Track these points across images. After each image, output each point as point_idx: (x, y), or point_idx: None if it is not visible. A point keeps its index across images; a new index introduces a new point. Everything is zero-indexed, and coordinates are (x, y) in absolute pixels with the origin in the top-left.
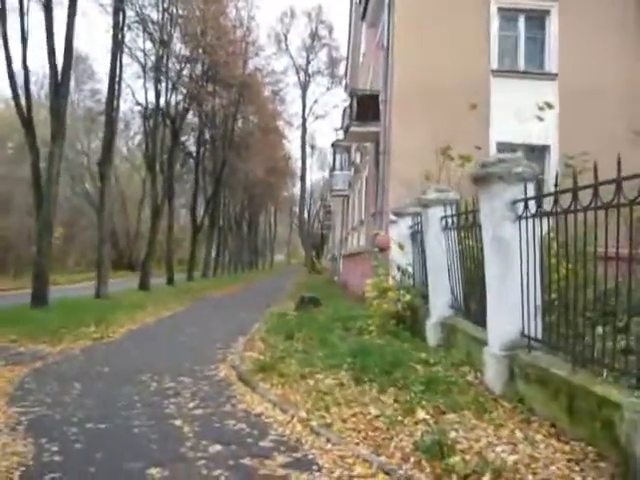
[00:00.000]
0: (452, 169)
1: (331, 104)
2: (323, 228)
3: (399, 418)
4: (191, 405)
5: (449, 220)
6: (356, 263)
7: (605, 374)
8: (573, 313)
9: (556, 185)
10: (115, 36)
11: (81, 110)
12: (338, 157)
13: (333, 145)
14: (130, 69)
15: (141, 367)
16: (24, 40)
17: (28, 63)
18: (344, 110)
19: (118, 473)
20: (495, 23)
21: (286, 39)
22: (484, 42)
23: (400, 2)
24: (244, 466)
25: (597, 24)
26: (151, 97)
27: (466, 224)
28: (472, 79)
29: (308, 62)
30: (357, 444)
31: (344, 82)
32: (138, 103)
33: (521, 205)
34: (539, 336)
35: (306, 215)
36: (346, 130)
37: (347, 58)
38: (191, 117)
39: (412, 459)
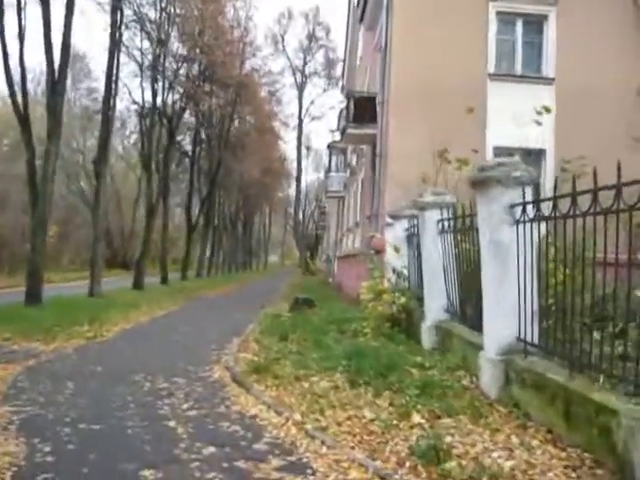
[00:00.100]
0: (449, 172)
1: (327, 105)
2: (318, 229)
3: (394, 422)
4: (185, 406)
5: (446, 223)
6: (351, 265)
7: (602, 380)
8: (570, 318)
9: (555, 190)
10: (112, 34)
11: (77, 108)
12: (334, 158)
13: (329, 146)
14: (127, 68)
15: (135, 367)
16: (21, 37)
17: (25, 60)
18: (340, 112)
19: (111, 474)
20: (493, 27)
21: (283, 40)
22: (482, 46)
23: (399, 4)
24: (238, 469)
25: (595, 29)
26: (148, 96)
27: (463, 227)
28: (469, 82)
29: (305, 63)
30: (352, 448)
31: (341, 84)
32: (135, 102)
33: (519, 209)
34: (535, 341)
35: (301, 216)
36: (343, 132)
37: (344, 60)
38: (187, 117)
39: (408, 464)
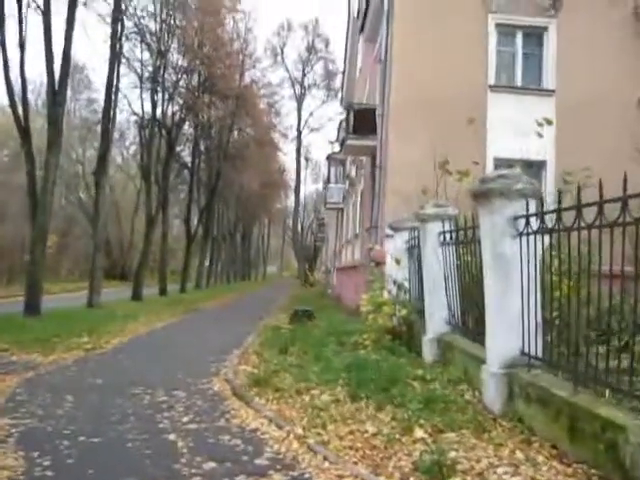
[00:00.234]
0: (449, 184)
1: (326, 117)
2: (316, 240)
3: (397, 436)
4: (185, 419)
5: (447, 235)
6: (350, 276)
7: (608, 395)
8: (575, 331)
9: (559, 202)
10: (113, 46)
11: (77, 119)
12: (333, 170)
13: (328, 158)
14: (127, 79)
15: (134, 379)
16: (22, 47)
17: (25, 71)
18: (340, 123)
19: None
20: (493, 39)
21: (282, 52)
22: (482, 57)
23: (399, 16)
24: None
25: (595, 41)
26: (147, 107)
27: (465, 240)
28: (469, 94)
29: (304, 75)
30: (355, 463)
31: (340, 95)
32: (134, 113)
33: (522, 221)
34: (539, 354)
35: (300, 227)
36: (342, 143)
37: (343, 71)
38: (187, 128)
39: None
